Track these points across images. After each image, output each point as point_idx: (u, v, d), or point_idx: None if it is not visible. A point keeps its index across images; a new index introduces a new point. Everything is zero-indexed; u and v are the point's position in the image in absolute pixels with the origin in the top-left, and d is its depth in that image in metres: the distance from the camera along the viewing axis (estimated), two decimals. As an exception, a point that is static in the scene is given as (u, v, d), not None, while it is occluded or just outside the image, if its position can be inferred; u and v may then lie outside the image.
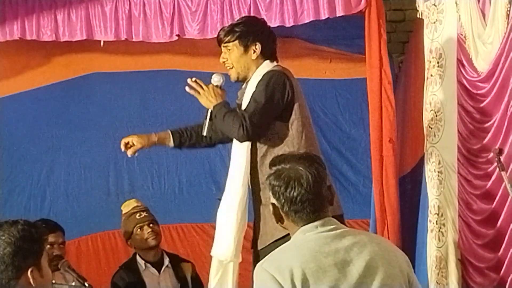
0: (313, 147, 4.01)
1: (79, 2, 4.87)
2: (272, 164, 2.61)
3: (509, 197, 3.75)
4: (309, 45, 5.53)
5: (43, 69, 5.63)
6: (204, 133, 4.10)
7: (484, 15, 4.17)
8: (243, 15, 4.63)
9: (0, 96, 5.40)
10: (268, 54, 4.04)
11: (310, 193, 2.50)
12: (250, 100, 3.95)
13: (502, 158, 3.75)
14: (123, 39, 4.87)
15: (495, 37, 4.03)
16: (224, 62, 4.07)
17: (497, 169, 3.79)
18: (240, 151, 4.00)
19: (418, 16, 4.82)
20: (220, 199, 4.10)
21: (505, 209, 3.94)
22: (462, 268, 4.39)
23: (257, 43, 4.01)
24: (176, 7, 4.78)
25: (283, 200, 2.52)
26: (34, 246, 2.54)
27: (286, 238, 3.20)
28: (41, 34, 4.91)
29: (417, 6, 4.80)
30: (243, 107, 3.99)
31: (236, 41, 4.01)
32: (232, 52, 4.03)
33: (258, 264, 2.52)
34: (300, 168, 2.52)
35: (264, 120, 3.93)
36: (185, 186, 5.86)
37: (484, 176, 4.18)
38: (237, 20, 4.20)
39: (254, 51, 4.01)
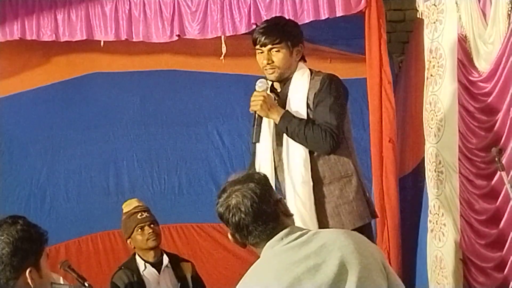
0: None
1: (79, 2, 4.87)
2: (218, 196, 2.60)
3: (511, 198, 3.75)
4: (309, 45, 5.47)
5: (43, 69, 5.62)
6: (253, 141, 3.89)
7: (484, 15, 4.16)
8: (243, 15, 4.63)
9: (0, 96, 5.40)
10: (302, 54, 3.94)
11: (250, 216, 2.47)
12: (322, 109, 3.77)
13: (502, 158, 3.74)
14: (123, 39, 4.87)
15: (496, 37, 4.02)
16: (268, 63, 3.84)
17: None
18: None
19: (418, 16, 4.82)
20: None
21: (508, 208, 3.93)
22: (464, 268, 4.38)
23: (301, 44, 3.89)
24: (176, 7, 4.78)
25: (231, 227, 2.53)
26: (33, 247, 2.54)
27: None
28: (41, 34, 4.90)
29: (417, 6, 4.80)
30: (293, 109, 3.82)
31: (289, 42, 3.83)
32: (279, 54, 3.83)
33: None
34: (237, 193, 2.50)
35: (341, 127, 3.80)
36: (185, 186, 5.85)
37: (487, 176, 4.17)
38: (277, 20, 4.01)
39: (298, 52, 3.87)
